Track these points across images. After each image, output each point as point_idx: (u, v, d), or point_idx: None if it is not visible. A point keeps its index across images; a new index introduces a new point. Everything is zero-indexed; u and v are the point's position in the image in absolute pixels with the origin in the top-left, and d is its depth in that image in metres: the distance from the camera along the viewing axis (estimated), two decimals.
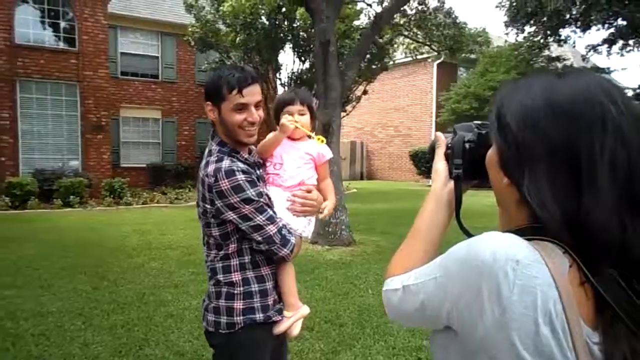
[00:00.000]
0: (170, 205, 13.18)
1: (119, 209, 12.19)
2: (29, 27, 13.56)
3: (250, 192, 1.69)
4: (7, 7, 12.98)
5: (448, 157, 0.96)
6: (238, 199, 1.67)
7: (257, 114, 1.78)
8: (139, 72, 17.60)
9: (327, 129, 7.51)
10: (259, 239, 1.73)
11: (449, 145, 0.96)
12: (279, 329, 1.90)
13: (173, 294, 5.18)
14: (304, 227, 1.92)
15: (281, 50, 15.88)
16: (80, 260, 6.56)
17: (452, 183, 0.99)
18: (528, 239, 0.73)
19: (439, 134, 1.04)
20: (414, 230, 0.96)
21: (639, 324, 0.69)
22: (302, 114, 1.94)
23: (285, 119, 1.87)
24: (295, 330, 1.98)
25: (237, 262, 1.81)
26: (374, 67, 15.93)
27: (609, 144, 0.70)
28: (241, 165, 1.73)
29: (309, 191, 1.89)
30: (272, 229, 1.73)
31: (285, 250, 1.77)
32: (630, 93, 26.85)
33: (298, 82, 16.11)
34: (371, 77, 16.40)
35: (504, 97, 0.82)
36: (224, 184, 1.67)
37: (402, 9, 11.37)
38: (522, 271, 0.68)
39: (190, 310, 4.69)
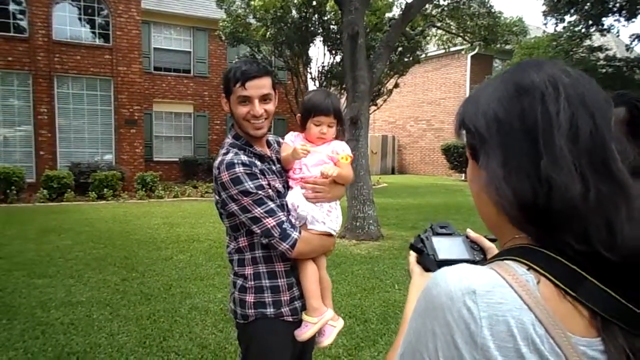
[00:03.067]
0: (201, 199, 13.33)
1: (151, 202, 12.39)
2: (66, 24, 13.91)
3: (248, 185, 1.70)
4: (45, 5, 13.33)
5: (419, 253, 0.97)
6: (237, 190, 1.70)
7: (263, 108, 1.78)
8: (172, 67, 17.85)
9: (355, 122, 7.41)
10: (258, 231, 1.73)
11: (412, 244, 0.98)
12: (302, 335, 1.83)
13: (199, 287, 5.21)
14: (323, 218, 1.84)
15: (311, 44, 15.82)
16: (110, 252, 6.69)
17: (429, 273, 0.92)
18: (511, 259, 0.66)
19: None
20: (402, 322, 0.87)
21: (633, 325, 0.61)
22: (331, 126, 1.91)
23: (297, 145, 1.84)
24: (327, 340, 1.89)
25: (249, 255, 1.82)
26: (405, 60, 15.68)
27: (563, 104, 0.67)
28: (244, 158, 1.75)
29: (325, 176, 1.83)
30: (270, 222, 1.71)
31: (284, 244, 1.72)
32: None
33: (329, 75, 16.02)
34: (403, 70, 16.16)
35: (463, 109, 0.81)
36: (225, 176, 1.71)
37: None
38: (483, 300, 0.60)
39: (215, 303, 4.70)
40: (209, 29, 17.63)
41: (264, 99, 1.79)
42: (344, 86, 12.48)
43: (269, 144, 1.95)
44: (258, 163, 1.80)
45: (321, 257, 1.93)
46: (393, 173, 25.11)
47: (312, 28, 15.23)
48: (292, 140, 1.95)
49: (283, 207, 1.81)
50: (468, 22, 12.55)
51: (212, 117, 18.58)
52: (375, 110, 17.36)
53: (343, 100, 9.16)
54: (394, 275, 5.69)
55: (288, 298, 1.84)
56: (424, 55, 17.49)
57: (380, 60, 8.01)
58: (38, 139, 13.46)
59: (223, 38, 15.83)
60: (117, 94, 14.37)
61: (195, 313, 4.46)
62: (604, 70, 19.41)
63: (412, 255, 0.99)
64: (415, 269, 0.97)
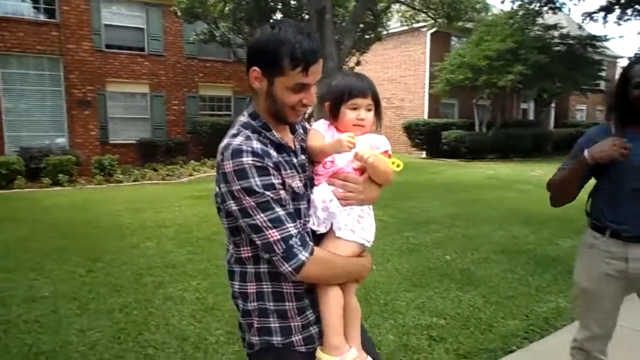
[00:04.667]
0: (163, 182, 12.91)
1: (110, 187, 11.90)
2: None
3: (254, 181, 1.32)
4: None
5: None
6: (239, 186, 1.33)
7: (314, 96, 1.45)
8: (125, 45, 17.01)
9: (323, 100, 7.25)
10: (258, 242, 1.38)
11: None
12: None
13: (171, 275, 4.99)
14: (353, 225, 1.47)
15: (272, 20, 15.42)
16: (72, 241, 6.33)
17: None
18: None
19: None
20: None
21: None
22: (370, 110, 1.58)
23: (344, 135, 1.48)
24: None
25: (253, 270, 1.46)
26: (367, 37, 15.56)
27: None
28: (256, 145, 1.36)
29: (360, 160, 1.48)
30: (273, 235, 1.34)
31: (287, 266, 1.36)
32: (626, 62, 26.68)
33: None
34: (365, 47, 16.06)
35: None
36: (228, 165, 1.34)
37: None
38: None
39: (190, 292, 4.52)
40: (163, 4, 16.87)
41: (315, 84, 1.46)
42: None
43: (292, 130, 1.56)
44: (274, 153, 1.40)
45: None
46: None
47: (271, 3, 14.84)
48: (325, 130, 1.60)
49: (298, 213, 1.44)
50: None
51: (170, 97, 17.93)
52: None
53: None
54: (373, 256, 5.63)
55: (300, 324, 1.47)
56: (385, 33, 17.40)
57: (348, 37, 7.86)
58: None
59: (179, 14, 15.22)
60: (67, 74, 13.60)
61: (170, 303, 4.27)
62: (558, 48, 19.92)
63: None
64: None
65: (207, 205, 8.93)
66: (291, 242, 1.35)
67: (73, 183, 11.93)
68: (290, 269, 1.36)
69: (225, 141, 1.40)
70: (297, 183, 1.44)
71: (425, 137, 20.77)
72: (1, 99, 12.82)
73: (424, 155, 21.56)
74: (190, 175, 14.04)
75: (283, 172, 1.40)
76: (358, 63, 16.58)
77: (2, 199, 9.93)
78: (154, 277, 4.93)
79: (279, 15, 15.40)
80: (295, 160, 1.48)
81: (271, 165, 1.36)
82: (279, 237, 1.35)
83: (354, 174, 1.51)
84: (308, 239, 1.40)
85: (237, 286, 1.50)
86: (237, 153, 1.34)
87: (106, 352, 3.41)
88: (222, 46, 16.78)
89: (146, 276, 4.97)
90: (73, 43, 13.59)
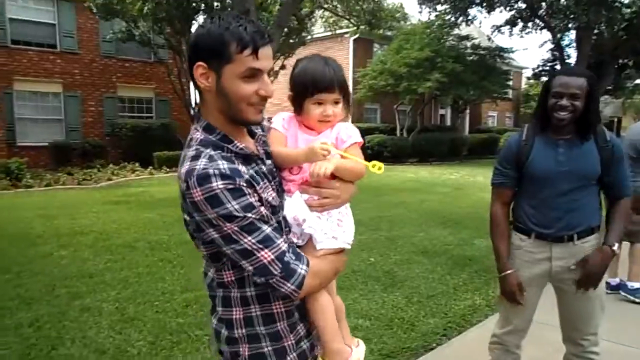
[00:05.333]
0: (79, 186, 12.19)
1: (18, 193, 11.05)
2: None
3: (232, 206, 1.19)
4: None
5: None
6: (216, 214, 1.19)
7: (271, 86, 1.30)
8: (34, 41, 15.93)
9: None
10: (250, 268, 1.24)
11: None
12: None
13: (88, 285, 4.74)
14: (334, 231, 1.36)
15: (194, 21, 15.10)
16: None
17: None
18: None
19: None
20: None
21: None
22: (337, 103, 1.42)
23: (317, 143, 1.32)
24: None
25: (238, 294, 1.34)
26: (291, 41, 15.65)
27: None
28: (223, 165, 1.21)
29: (327, 177, 1.34)
30: (266, 256, 1.22)
31: (289, 285, 1.24)
32: (530, 73, 28.82)
33: None
34: (289, 51, 16.12)
35: None
36: (197, 194, 1.18)
37: None
38: None
39: (109, 302, 4.31)
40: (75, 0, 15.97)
41: (269, 74, 1.31)
42: None
43: (252, 134, 1.41)
44: (243, 169, 1.25)
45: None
46: None
47: (194, 4, 14.52)
48: (286, 128, 1.45)
49: (281, 226, 1.32)
50: (354, 6, 12.83)
51: (86, 97, 16.99)
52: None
53: None
54: None
55: (293, 342, 1.39)
56: (309, 37, 17.59)
57: (272, 41, 7.86)
58: None
59: (94, 10, 14.49)
60: None
61: (87, 315, 4.05)
62: (470, 58, 21.14)
63: None
64: None
65: (127, 210, 8.56)
66: (286, 258, 1.24)
67: None
68: (292, 287, 1.24)
69: (186, 166, 1.23)
70: (271, 194, 1.31)
71: None
72: None
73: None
74: (109, 179, 13.38)
75: (257, 186, 1.26)
76: (283, 67, 16.61)
77: None
78: (69, 288, 4.65)
79: (202, 16, 15.07)
80: (264, 168, 1.34)
81: (244, 184, 1.22)
82: (272, 256, 1.23)
83: (327, 180, 1.37)
84: (299, 250, 1.30)
85: (220, 312, 1.37)
86: (205, 178, 1.18)
87: None
88: (143, 46, 16.17)
89: (60, 287, 4.68)
90: None
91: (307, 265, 1.27)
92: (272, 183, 1.34)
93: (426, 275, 5.25)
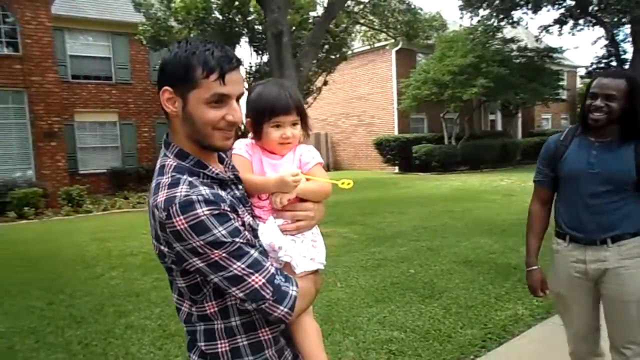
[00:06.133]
0: (133, 210, 12.79)
1: (78, 218, 11.73)
2: None
3: (219, 232, 1.15)
4: None
5: None
6: (201, 242, 1.14)
7: (240, 112, 1.28)
8: (92, 75, 17.00)
9: None
10: (241, 295, 1.20)
11: None
12: None
13: (134, 303, 4.96)
14: (311, 253, 1.38)
15: (237, 45, 15.58)
16: (34, 275, 6.23)
17: None
18: None
19: None
20: None
21: None
22: (295, 124, 1.44)
23: (287, 175, 1.33)
24: None
25: (222, 325, 1.28)
26: (332, 57, 15.83)
27: None
28: (205, 191, 1.17)
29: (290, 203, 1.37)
30: (257, 280, 1.19)
31: (282, 308, 1.22)
32: (583, 72, 27.67)
33: (257, 76, 15.86)
34: (331, 67, 16.30)
35: None
36: (180, 222, 1.13)
37: None
38: None
39: (152, 320, 4.49)
40: (128, 33, 16.90)
41: (239, 99, 1.28)
42: None
43: (220, 159, 1.38)
44: (223, 194, 1.23)
45: None
46: (328, 170, 25.29)
47: (236, 29, 15.00)
48: (249, 153, 1.46)
49: (264, 250, 1.30)
50: (390, 19, 12.84)
51: (139, 124, 17.88)
52: (306, 109, 17.38)
53: None
54: (335, 274, 5.69)
55: None
56: (350, 52, 17.73)
57: (306, 59, 8.01)
58: None
59: (144, 42, 15.26)
60: (32, 106, 13.47)
61: (131, 332, 4.23)
62: (517, 61, 20.57)
63: None
64: None
65: None
66: (276, 281, 1.22)
67: (40, 215, 11.73)
68: (285, 309, 1.22)
69: (163, 194, 1.17)
70: (250, 218, 1.31)
71: (397, 153, 21.07)
72: None
73: (397, 171, 21.83)
74: None
75: (239, 210, 1.25)
76: (325, 83, 16.82)
77: None
78: (116, 307, 4.89)
79: (244, 40, 15.54)
80: (237, 193, 1.33)
81: (228, 209, 1.19)
82: (264, 280, 1.20)
83: (302, 204, 1.40)
84: (286, 273, 1.28)
85: (203, 347, 1.29)
86: (188, 205, 1.13)
87: None
88: None
89: (108, 306, 4.92)
90: (37, 75, 13.51)
91: (297, 286, 1.26)
92: (247, 207, 1.33)
93: (467, 285, 5.12)
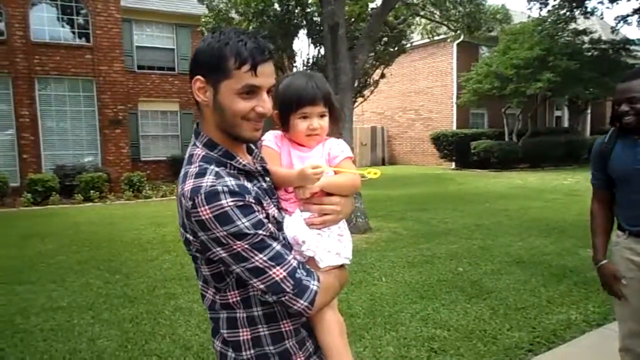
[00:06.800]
0: None
1: (138, 203, 12.28)
2: (44, 24, 13.67)
3: (243, 223, 1.16)
4: (22, 7, 13.09)
5: None
6: (225, 232, 1.16)
7: (270, 103, 1.28)
8: (156, 65, 17.67)
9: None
10: (262, 286, 1.21)
11: None
12: None
13: (183, 287, 5.13)
14: (337, 248, 1.36)
15: (295, 37, 15.67)
16: (94, 255, 6.59)
17: None
18: None
19: None
20: None
21: None
22: (323, 116, 1.42)
23: (308, 167, 1.30)
24: None
25: (244, 314, 1.29)
26: (391, 50, 15.58)
27: None
28: (230, 182, 1.18)
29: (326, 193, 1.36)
30: (278, 273, 1.20)
31: (302, 302, 1.22)
32: None
33: (314, 68, 15.90)
34: (389, 60, 16.06)
35: None
36: (205, 212, 1.15)
37: None
38: None
39: (199, 303, 4.61)
40: (191, 25, 17.42)
41: (269, 90, 1.28)
42: (329, 78, 12.40)
43: (249, 150, 1.39)
44: (249, 185, 1.24)
45: None
46: (383, 164, 25.08)
47: (295, 21, 15.07)
48: (279, 145, 1.45)
49: (288, 243, 1.31)
50: (451, 10, 12.48)
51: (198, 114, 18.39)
52: (363, 102, 17.26)
53: None
54: (381, 268, 5.64)
55: (303, 359, 1.36)
56: (409, 45, 17.38)
57: (362, 51, 7.92)
58: (21, 142, 13.25)
59: (206, 34, 15.65)
60: (100, 94, 14.18)
61: (179, 314, 4.39)
62: (589, 53, 19.45)
63: None
64: None
65: None
66: (297, 275, 1.22)
67: (103, 199, 12.38)
68: (305, 304, 1.23)
69: (189, 184, 1.19)
70: (275, 211, 1.31)
71: (454, 148, 20.55)
72: (39, 119, 13.46)
73: (453, 167, 21.31)
74: None
75: (264, 203, 1.26)
76: (383, 76, 16.59)
77: (35, 215, 10.40)
78: (167, 289, 5.08)
79: (302, 32, 15.61)
80: (264, 184, 1.33)
81: (252, 200, 1.20)
82: (284, 273, 1.20)
83: (328, 198, 1.38)
84: (308, 267, 1.28)
85: (225, 334, 1.32)
86: (213, 196, 1.15)
87: (112, 359, 3.55)
88: None
89: (160, 288, 5.12)
90: (105, 65, 14.19)
91: (318, 281, 1.26)
92: (273, 199, 1.34)
93: (517, 286, 4.93)
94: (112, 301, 4.75)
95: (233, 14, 14.97)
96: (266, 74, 1.23)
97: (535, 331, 3.89)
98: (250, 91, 1.22)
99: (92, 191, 12.25)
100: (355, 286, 5.00)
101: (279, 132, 1.47)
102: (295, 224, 1.32)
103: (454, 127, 21.78)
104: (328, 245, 1.33)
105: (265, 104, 1.25)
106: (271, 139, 1.45)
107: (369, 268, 5.66)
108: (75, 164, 13.20)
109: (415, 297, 4.69)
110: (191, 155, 1.27)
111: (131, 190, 13.04)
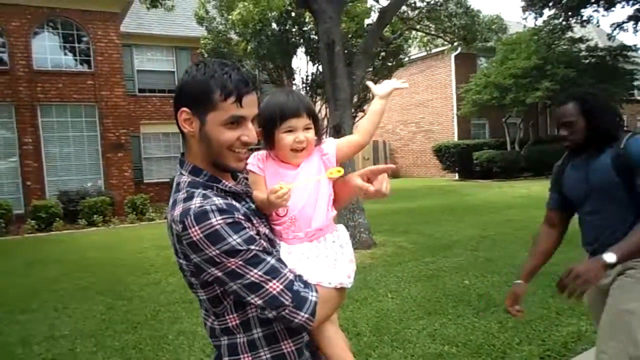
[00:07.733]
0: None
1: (142, 225, 12.26)
2: (46, 52, 13.81)
3: (234, 240, 1.17)
4: (24, 36, 13.25)
5: None
6: (217, 251, 1.16)
7: (254, 132, 1.30)
8: (157, 88, 17.81)
9: (338, 131, 7.33)
10: (260, 302, 1.19)
11: None
12: None
13: (187, 310, 5.08)
14: (328, 277, 1.30)
15: (294, 55, 15.81)
16: (97, 280, 6.55)
17: None
18: None
19: None
20: None
21: None
22: (308, 129, 1.41)
23: (271, 195, 1.28)
24: None
25: (244, 338, 1.28)
26: (389, 64, 15.69)
27: None
28: (218, 201, 1.20)
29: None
30: (275, 286, 1.19)
31: (302, 314, 1.21)
32: None
33: (313, 85, 16.01)
34: (387, 74, 16.16)
35: None
36: (195, 233, 1.15)
37: (410, 1, 11.11)
38: None
39: (202, 326, 4.57)
40: (190, 47, 17.61)
41: (253, 120, 1.30)
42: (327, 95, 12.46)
43: (234, 176, 1.41)
44: (236, 204, 1.25)
45: None
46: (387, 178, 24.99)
47: (292, 39, 15.22)
48: (261, 167, 1.42)
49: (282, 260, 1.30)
50: (446, 23, 12.56)
51: None
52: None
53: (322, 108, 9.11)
54: (387, 284, 5.58)
55: None
56: (407, 59, 17.50)
57: (359, 67, 7.96)
58: (24, 170, 13.29)
59: (205, 55, 15.81)
60: (102, 119, 14.26)
61: (183, 338, 4.33)
62: (587, 61, 19.50)
63: None
64: None
65: None
66: (295, 287, 1.22)
67: (107, 223, 12.36)
68: (306, 315, 1.21)
69: (179, 209, 1.20)
70: (266, 230, 1.32)
71: (457, 159, 20.53)
72: (42, 146, 13.53)
73: (456, 178, 21.26)
74: None
75: (254, 220, 1.27)
76: None
77: (39, 241, 10.38)
78: (170, 313, 5.03)
79: (301, 50, 15.75)
80: (252, 206, 1.34)
81: (242, 217, 1.21)
82: (281, 286, 1.20)
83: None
84: (306, 279, 1.27)
85: None
86: (202, 215, 1.16)
87: None
88: None
89: (164, 312, 5.08)
90: (107, 90, 14.29)
91: (317, 292, 1.24)
92: (263, 219, 1.34)
93: (525, 298, 4.76)
94: (115, 327, 4.70)
95: (232, 35, 15.13)
96: (250, 104, 1.26)
97: (545, 344, 3.82)
98: (236, 121, 1.25)
99: (95, 215, 12.24)
100: (360, 303, 4.94)
101: (262, 153, 1.46)
102: (288, 257, 1.31)
103: (456, 138, 21.78)
104: (320, 275, 1.29)
105: (250, 133, 1.27)
106: (254, 162, 1.42)
107: (374, 284, 5.59)
108: (79, 189, 13.22)
109: (421, 312, 4.62)
110: (178, 184, 1.30)
111: (134, 213, 13.03)
